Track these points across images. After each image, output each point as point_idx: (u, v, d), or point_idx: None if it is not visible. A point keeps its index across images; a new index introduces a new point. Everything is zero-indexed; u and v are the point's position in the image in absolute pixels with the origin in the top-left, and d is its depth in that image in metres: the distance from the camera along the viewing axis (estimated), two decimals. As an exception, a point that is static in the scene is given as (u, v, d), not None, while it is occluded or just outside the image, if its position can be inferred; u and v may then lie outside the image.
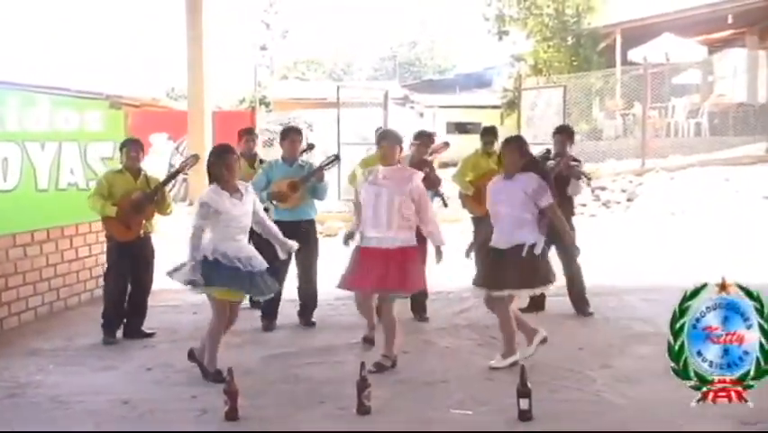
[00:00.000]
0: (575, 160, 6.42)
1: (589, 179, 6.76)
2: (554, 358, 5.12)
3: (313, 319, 6.33)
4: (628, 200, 13.36)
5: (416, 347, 5.21)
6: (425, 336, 5.78)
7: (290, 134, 6.51)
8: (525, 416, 4.06)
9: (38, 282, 6.73)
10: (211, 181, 4.88)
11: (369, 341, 5.58)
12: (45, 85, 13.28)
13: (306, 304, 6.24)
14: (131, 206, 5.87)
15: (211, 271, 4.75)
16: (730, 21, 17.58)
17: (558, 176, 6.05)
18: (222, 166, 4.86)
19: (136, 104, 14.67)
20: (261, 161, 6.70)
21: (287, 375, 4.99)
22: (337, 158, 6.70)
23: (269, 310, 6.15)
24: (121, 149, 6.14)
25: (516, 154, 5.05)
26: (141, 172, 6.05)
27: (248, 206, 4.93)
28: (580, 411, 4.26)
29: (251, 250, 4.97)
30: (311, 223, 6.26)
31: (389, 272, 4.83)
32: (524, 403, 4.06)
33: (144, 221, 6.03)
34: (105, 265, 6.09)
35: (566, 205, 6.19)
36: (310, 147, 6.75)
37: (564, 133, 6.51)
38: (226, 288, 4.85)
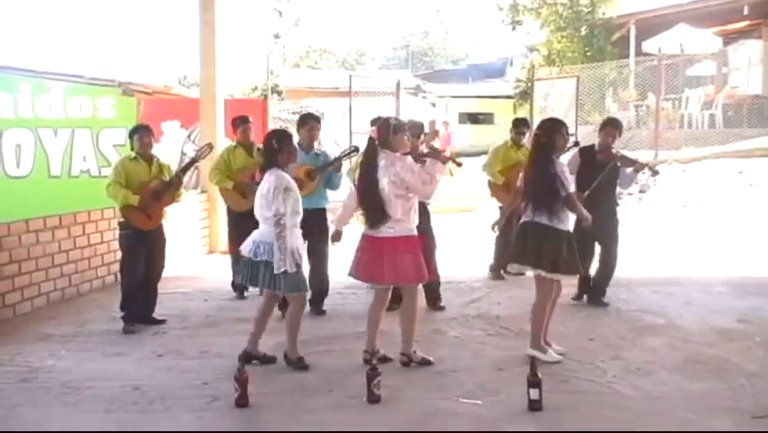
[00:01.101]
0: (618, 152, 6.37)
1: (655, 171, 6.78)
2: (565, 348, 5.10)
3: (324, 308, 6.33)
4: (641, 192, 13.29)
5: (427, 337, 5.21)
6: (435, 325, 5.79)
7: (309, 122, 6.33)
8: (534, 406, 4.06)
9: (50, 268, 6.77)
10: (270, 167, 4.79)
11: (372, 358, 4.95)
12: (58, 72, 13.33)
13: (317, 292, 6.22)
14: (151, 194, 5.88)
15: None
16: (746, 12, 17.44)
17: (613, 167, 6.08)
18: (285, 152, 4.81)
19: (148, 91, 14.69)
20: (259, 149, 6.57)
21: (297, 363, 4.98)
22: (356, 150, 6.66)
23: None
24: (131, 136, 6.12)
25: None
26: (153, 159, 6.05)
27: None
28: (590, 403, 4.26)
29: (260, 236, 4.91)
30: (323, 212, 6.23)
31: (384, 264, 4.76)
32: (534, 393, 4.07)
33: (164, 210, 6.03)
34: (120, 254, 6.08)
35: (610, 195, 6.44)
36: (355, 150, 6.54)
37: (613, 126, 6.42)
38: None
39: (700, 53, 17.78)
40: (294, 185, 4.76)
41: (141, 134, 6.07)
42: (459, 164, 5.51)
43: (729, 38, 19.61)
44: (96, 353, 5.42)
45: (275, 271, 4.65)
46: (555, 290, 4.98)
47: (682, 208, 12.05)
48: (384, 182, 4.70)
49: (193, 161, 6.27)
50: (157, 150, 6.30)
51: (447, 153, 6.15)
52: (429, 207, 6.09)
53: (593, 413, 4.12)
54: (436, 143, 6.81)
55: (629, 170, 6.26)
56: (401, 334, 4.88)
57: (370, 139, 4.80)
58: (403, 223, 4.71)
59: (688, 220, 11.16)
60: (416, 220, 4.83)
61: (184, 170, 6.12)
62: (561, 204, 4.80)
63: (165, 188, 5.91)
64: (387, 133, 4.75)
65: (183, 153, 10.27)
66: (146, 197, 5.86)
